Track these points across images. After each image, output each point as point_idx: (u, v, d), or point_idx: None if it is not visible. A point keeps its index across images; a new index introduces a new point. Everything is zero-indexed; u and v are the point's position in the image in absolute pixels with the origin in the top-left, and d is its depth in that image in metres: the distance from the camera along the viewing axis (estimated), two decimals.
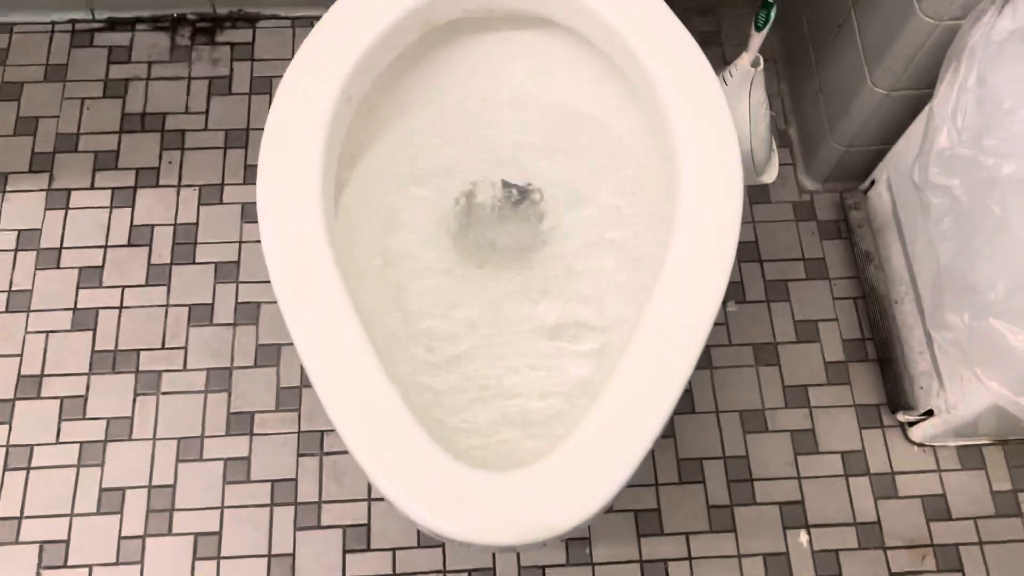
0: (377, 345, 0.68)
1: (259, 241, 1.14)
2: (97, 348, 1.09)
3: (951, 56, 0.86)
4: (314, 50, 0.75)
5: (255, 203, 1.16)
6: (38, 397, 1.07)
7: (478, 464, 0.65)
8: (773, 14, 0.97)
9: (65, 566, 0.99)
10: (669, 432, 1.06)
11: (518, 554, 1.01)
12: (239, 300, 1.12)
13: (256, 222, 1.15)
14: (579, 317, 0.84)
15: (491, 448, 0.77)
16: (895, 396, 1.07)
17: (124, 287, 1.13)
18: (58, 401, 1.07)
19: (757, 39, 1.01)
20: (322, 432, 1.06)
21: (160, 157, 1.20)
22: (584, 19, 0.79)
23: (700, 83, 0.75)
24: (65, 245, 1.15)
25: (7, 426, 1.05)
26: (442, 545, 1.02)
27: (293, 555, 1.01)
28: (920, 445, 1.07)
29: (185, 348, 1.10)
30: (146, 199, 1.17)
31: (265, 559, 1.00)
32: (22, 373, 1.08)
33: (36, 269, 1.13)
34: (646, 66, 0.75)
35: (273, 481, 1.04)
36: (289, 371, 1.09)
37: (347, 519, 1.02)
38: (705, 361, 1.10)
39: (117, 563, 1.00)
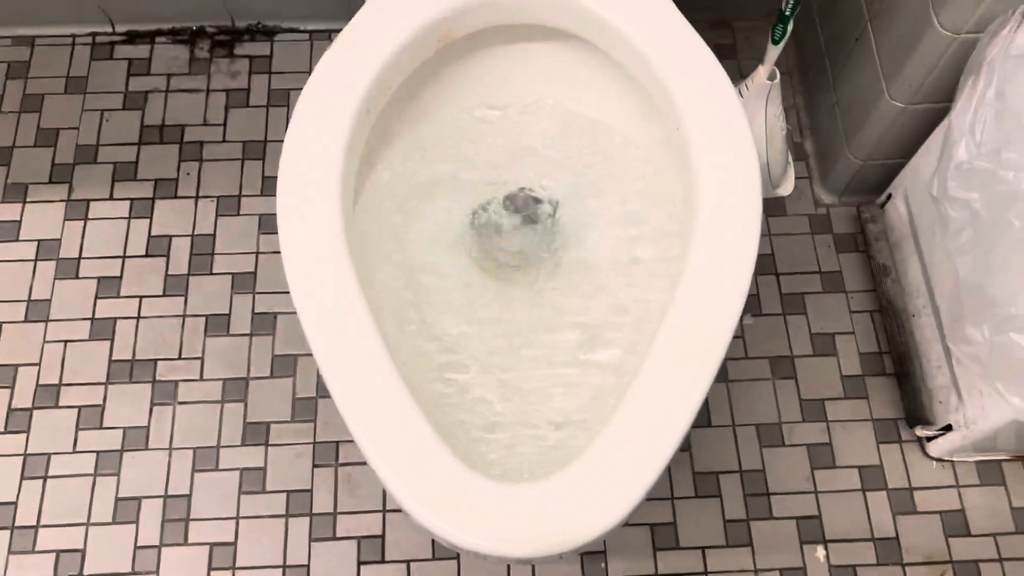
0: (395, 355, 0.68)
1: (276, 252, 1.16)
2: (114, 358, 1.10)
3: (969, 69, 0.86)
4: (334, 63, 0.76)
5: (272, 214, 1.18)
6: (56, 406, 1.08)
7: (496, 475, 0.65)
8: (791, 27, 0.97)
9: (81, 575, 0.99)
10: (685, 446, 1.06)
11: (533, 567, 1.01)
12: (256, 311, 1.13)
13: (273, 233, 1.17)
14: (597, 329, 0.83)
15: (509, 459, 0.77)
16: (913, 410, 1.06)
17: (142, 297, 1.13)
18: (75, 410, 1.07)
19: (774, 52, 1.01)
20: (337, 443, 1.06)
21: (178, 168, 1.21)
22: (602, 31, 0.79)
23: (718, 95, 0.75)
24: (84, 255, 1.15)
25: (25, 435, 1.06)
26: (456, 557, 1.02)
27: (308, 566, 1.01)
28: (938, 460, 1.07)
29: (202, 358, 1.10)
30: (164, 210, 1.18)
31: (280, 570, 1.00)
32: (40, 382, 1.09)
33: (55, 279, 1.14)
34: (664, 78, 0.76)
35: (288, 492, 1.04)
36: (305, 382, 1.09)
37: (362, 530, 1.02)
38: (721, 374, 1.10)
39: (132, 572, 1.00)
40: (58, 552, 1.01)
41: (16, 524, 1.02)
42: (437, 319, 0.83)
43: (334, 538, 1.02)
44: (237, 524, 1.02)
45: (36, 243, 1.16)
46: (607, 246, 0.87)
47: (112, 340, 1.11)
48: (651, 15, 0.78)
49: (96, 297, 1.13)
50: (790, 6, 0.94)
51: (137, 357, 1.10)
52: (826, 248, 1.18)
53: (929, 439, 1.06)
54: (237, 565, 1.00)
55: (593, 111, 0.89)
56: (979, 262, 0.81)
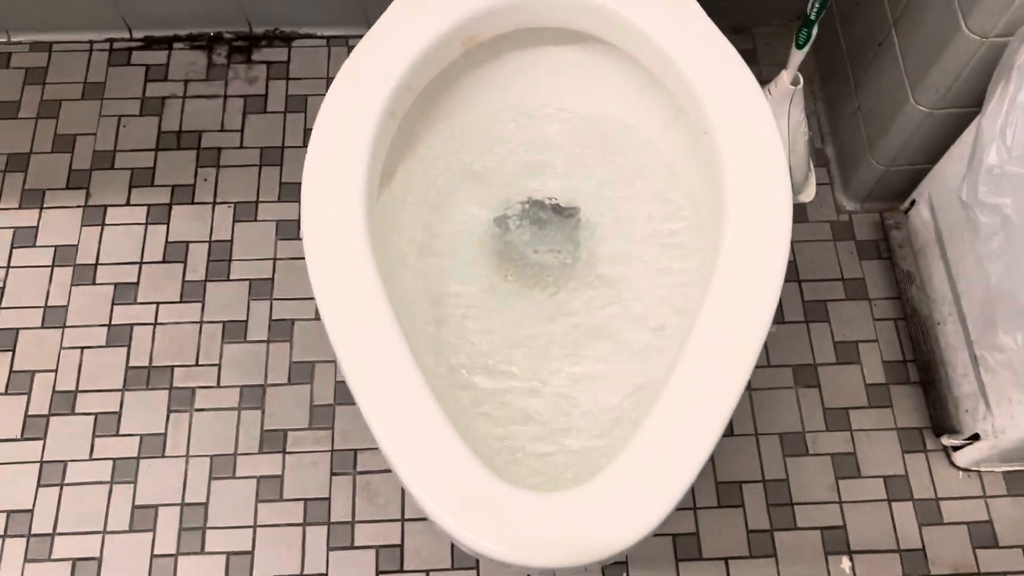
0: (418, 358, 0.67)
1: (294, 258, 1.15)
2: (131, 364, 1.09)
3: (999, 73, 0.85)
4: (359, 66, 0.75)
5: (289, 220, 1.18)
6: (72, 413, 1.07)
7: (521, 483, 0.63)
8: (815, 32, 0.96)
9: None
10: None
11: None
12: (273, 317, 1.12)
13: (290, 239, 1.17)
14: (621, 336, 0.82)
15: (533, 466, 0.76)
16: (939, 419, 1.05)
17: (159, 303, 1.13)
18: (92, 417, 1.07)
19: (798, 56, 1.00)
20: (355, 451, 1.05)
21: (195, 174, 1.20)
22: (627, 34, 0.78)
23: (747, 99, 0.74)
24: (101, 261, 1.15)
25: (41, 442, 1.05)
26: (476, 567, 1.00)
27: (326, 575, 0.99)
28: (965, 470, 1.05)
29: (219, 365, 1.09)
30: (181, 216, 1.18)
31: None
32: (57, 389, 1.08)
33: (72, 285, 1.13)
34: (692, 82, 0.75)
35: (306, 500, 1.03)
36: (323, 389, 1.08)
37: (380, 539, 1.01)
38: None
39: None
40: (74, 560, 1.00)
41: (32, 532, 1.01)
42: (459, 324, 0.82)
43: (352, 547, 1.01)
44: (254, 533, 1.01)
45: (53, 249, 1.15)
46: (631, 252, 0.86)
47: (129, 346, 1.10)
48: (678, 18, 0.77)
49: (113, 303, 1.13)
50: (815, 10, 0.93)
51: (154, 364, 1.09)
52: (849, 255, 1.17)
53: (955, 449, 1.04)
54: (254, 574, 0.99)
55: (618, 115, 0.88)
56: (1011, 268, 0.80)
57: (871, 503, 1.04)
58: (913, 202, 1.12)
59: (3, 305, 1.12)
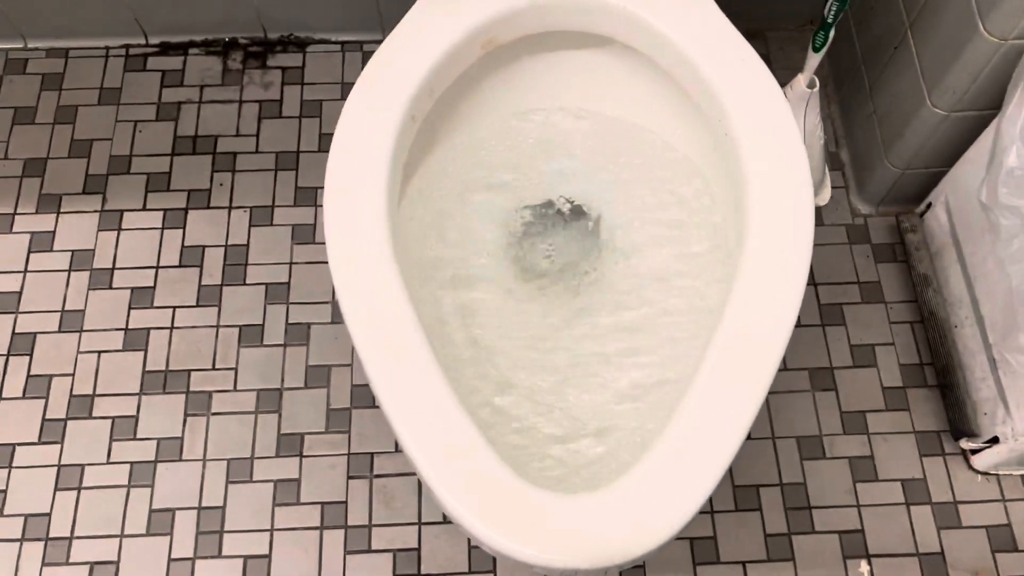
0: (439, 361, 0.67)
1: (310, 262, 1.16)
2: (148, 368, 1.09)
3: (1019, 75, 0.85)
4: (380, 69, 0.75)
5: (305, 224, 1.18)
6: (90, 417, 1.07)
7: (543, 484, 0.63)
8: (832, 35, 0.96)
9: None
10: None
11: None
12: (289, 321, 1.12)
13: (306, 243, 1.17)
14: (638, 339, 0.82)
15: (553, 469, 0.76)
16: (957, 423, 1.04)
17: (175, 307, 1.13)
18: (109, 421, 1.07)
19: (814, 60, 1.00)
20: (372, 454, 1.05)
21: (211, 179, 1.21)
22: (647, 37, 0.79)
23: (768, 100, 0.74)
24: (117, 266, 1.15)
25: (59, 446, 1.05)
26: (493, 570, 1.00)
27: None
28: (984, 474, 1.04)
29: (235, 369, 1.09)
30: (197, 220, 1.18)
31: None
32: (74, 393, 1.08)
33: (89, 289, 1.14)
34: (712, 84, 0.75)
35: (323, 504, 1.03)
36: (339, 392, 1.08)
37: (397, 543, 1.01)
38: None
39: None
40: (92, 564, 1.00)
41: (50, 535, 1.01)
42: (476, 325, 0.82)
43: (369, 551, 1.01)
44: (271, 536, 1.01)
45: (70, 253, 1.16)
46: (649, 255, 0.86)
47: (146, 351, 1.10)
48: (697, 20, 0.78)
49: (129, 307, 1.13)
50: (833, 12, 0.93)
51: (171, 368, 1.10)
52: (864, 258, 1.16)
53: (974, 452, 1.04)
54: None
55: (635, 117, 0.88)
56: None
57: (889, 507, 1.03)
58: (929, 205, 1.12)
59: (20, 309, 1.12)
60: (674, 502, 0.62)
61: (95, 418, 1.07)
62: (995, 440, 0.99)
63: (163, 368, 1.09)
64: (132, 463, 1.05)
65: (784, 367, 1.10)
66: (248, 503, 1.03)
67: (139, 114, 1.25)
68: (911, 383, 1.09)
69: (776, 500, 1.03)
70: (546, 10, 0.79)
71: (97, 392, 1.08)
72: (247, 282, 1.14)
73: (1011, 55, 0.88)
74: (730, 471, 1.04)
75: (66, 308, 1.13)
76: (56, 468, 1.04)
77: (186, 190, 1.20)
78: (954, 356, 1.06)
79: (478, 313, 0.83)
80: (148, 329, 1.12)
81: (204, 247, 1.16)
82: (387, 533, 1.01)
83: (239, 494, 1.03)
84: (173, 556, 1.00)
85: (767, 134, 0.73)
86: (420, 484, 1.03)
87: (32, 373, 1.09)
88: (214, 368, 1.10)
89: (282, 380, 1.09)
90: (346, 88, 1.26)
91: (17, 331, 1.11)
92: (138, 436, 1.06)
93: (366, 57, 1.28)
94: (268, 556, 1.00)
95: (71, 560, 1.00)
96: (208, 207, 1.19)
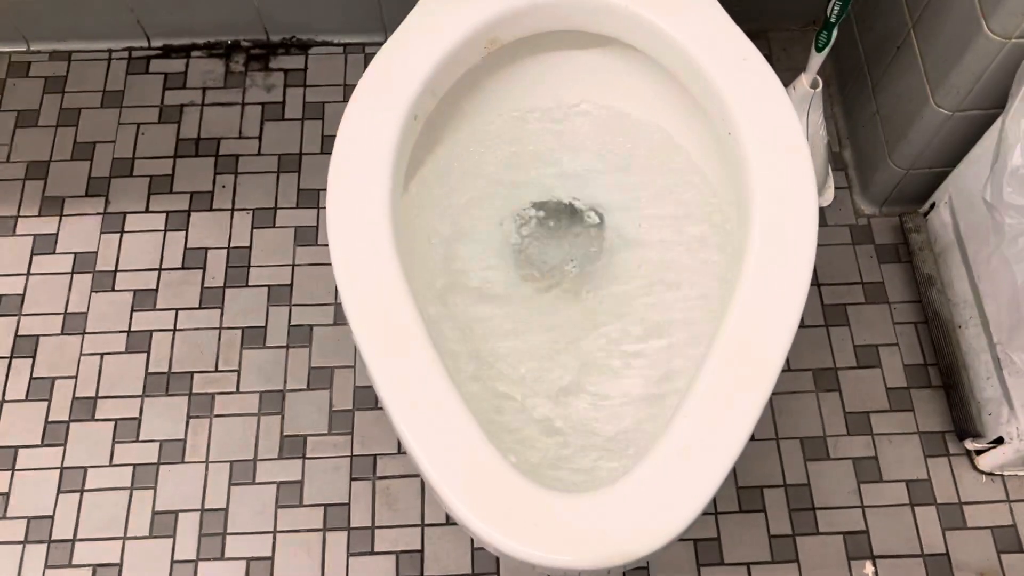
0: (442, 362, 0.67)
1: (312, 264, 1.16)
2: (151, 370, 1.09)
3: (1023, 73, 0.84)
4: (383, 69, 0.75)
5: (308, 226, 1.18)
6: (92, 419, 1.07)
7: (546, 484, 0.63)
8: (834, 35, 0.96)
9: None
10: None
11: None
12: (292, 323, 1.12)
13: (309, 245, 1.17)
14: (642, 339, 0.82)
15: (555, 468, 0.75)
16: (962, 423, 1.04)
17: (178, 310, 1.13)
18: (112, 423, 1.07)
19: (817, 59, 1.00)
20: (375, 456, 1.05)
21: (214, 181, 1.21)
22: (649, 36, 0.78)
23: (771, 99, 0.74)
24: (120, 268, 1.15)
25: (61, 448, 1.05)
26: (496, 571, 1.00)
27: None
28: (988, 474, 1.04)
29: (238, 371, 1.09)
30: (200, 223, 1.18)
31: None
32: (77, 395, 1.08)
33: (91, 291, 1.14)
34: (715, 83, 0.75)
35: (326, 505, 1.03)
36: (342, 394, 1.08)
37: (400, 545, 1.01)
38: None
39: None
40: (95, 566, 1.00)
41: (53, 538, 1.01)
42: (480, 325, 0.82)
43: (372, 553, 1.01)
44: (274, 538, 1.01)
45: (73, 256, 1.16)
46: (653, 255, 0.86)
47: (148, 353, 1.10)
48: (699, 19, 0.77)
49: (132, 310, 1.13)
50: (835, 12, 0.93)
51: (173, 370, 1.10)
52: (868, 259, 1.16)
53: (979, 452, 1.03)
54: None
55: (639, 117, 0.88)
56: None
57: (894, 507, 1.03)
58: (933, 205, 1.11)
59: (23, 312, 1.13)
60: (677, 503, 0.62)
61: (98, 420, 1.07)
62: (1000, 440, 0.99)
63: (166, 370, 1.09)
64: (135, 465, 1.05)
65: (788, 368, 1.10)
66: (251, 505, 1.03)
67: (142, 116, 1.25)
68: (915, 383, 1.09)
69: (780, 501, 1.03)
70: (548, 10, 0.78)
71: (100, 394, 1.08)
72: (250, 284, 1.14)
73: (1015, 54, 0.88)
74: (734, 472, 1.04)
75: (69, 310, 1.13)
76: (59, 470, 1.04)
77: (189, 192, 1.20)
78: (958, 356, 1.06)
79: (482, 313, 0.82)
80: (151, 331, 1.12)
81: (207, 249, 1.16)
82: (390, 535, 1.01)
83: (242, 496, 1.03)
84: (176, 558, 1.00)
85: (770, 134, 0.72)
86: (423, 486, 1.03)
87: (35, 375, 1.09)
88: (217, 370, 1.09)
89: (285, 382, 1.09)
90: (348, 90, 1.26)
91: (20, 333, 1.11)
92: (141, 438, 1.06)
93: (368, 59, 1.28)
94: (271, 558, 1.00)
95: (74, 562, 1.00)
96: (211, 209, 1.19)
